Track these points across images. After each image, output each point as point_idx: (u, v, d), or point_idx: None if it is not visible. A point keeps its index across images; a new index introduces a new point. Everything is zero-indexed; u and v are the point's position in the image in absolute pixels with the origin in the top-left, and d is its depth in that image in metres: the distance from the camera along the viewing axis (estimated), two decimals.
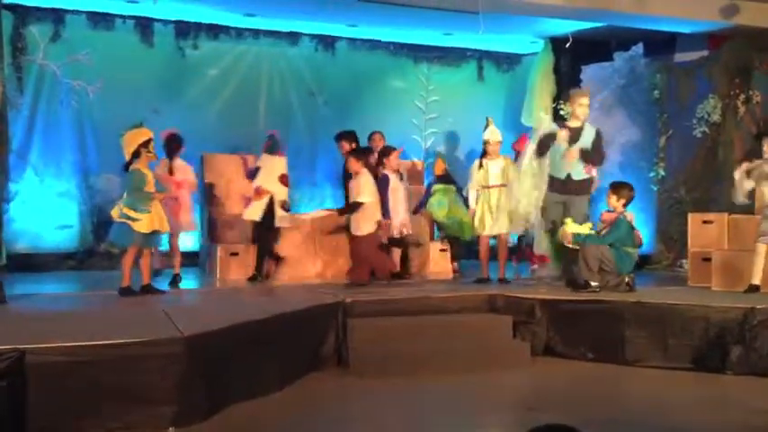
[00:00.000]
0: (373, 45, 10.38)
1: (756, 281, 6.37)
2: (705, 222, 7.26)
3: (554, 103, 10.06)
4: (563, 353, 6.10)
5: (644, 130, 9.35)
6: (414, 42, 10.52)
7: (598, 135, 6.94)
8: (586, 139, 6.86)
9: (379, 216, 7.09)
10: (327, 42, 10.13)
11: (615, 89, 9.87)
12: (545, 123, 7.35)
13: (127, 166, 6.25)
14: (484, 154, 7.43)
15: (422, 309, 6.23)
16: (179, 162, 7.42)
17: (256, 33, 9.74)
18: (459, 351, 5.73)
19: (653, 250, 9.13)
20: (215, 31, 9.51)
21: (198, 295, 6.86)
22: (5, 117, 7.88)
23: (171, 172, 7.29)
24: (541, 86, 10.17)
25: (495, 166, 7.28)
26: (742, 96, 8.54)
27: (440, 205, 8.23)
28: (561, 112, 9.64)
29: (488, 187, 7.25)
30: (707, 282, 6.94)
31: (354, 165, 7.11)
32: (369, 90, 10.38)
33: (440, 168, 8.53)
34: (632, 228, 6.60)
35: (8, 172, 8.39)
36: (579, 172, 6.88)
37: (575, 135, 6.86)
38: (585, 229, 6.64)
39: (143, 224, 6.08)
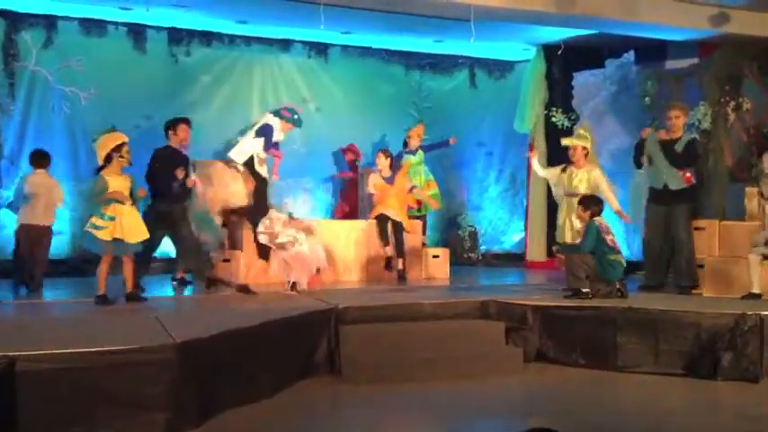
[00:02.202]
0: (366, 52, 10.41)
1: (756, 289, 6.42)
2: (696, 229, 7.30)
3: (546, 109, 10.11)
4: (555, 359, 6.11)
5: (635, 136, 9.37)
6: (406, 50, 10.57)
7: (690, 143, 7.07)
8: (678, 147, 7.01)
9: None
10: (320, 49, 10.16)
11: (606, 96, 9.94)
12: (649, 140, 7.33)
13: (98, 170, 6.12)
14: (568, 160, 7.33)
15: (414, 315, 6.22)
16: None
17: (249, 40, 9.75)
18: (451, 357, 5.74)
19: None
20: (208, 37, 9.52)
21: (190, 302, 6.84)
22: None
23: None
24: (534, 93, 10.21)
25: (580, 174, 7.19)
26: (732, 104, 8.60)
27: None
28: (553, 119, 9.69)
29: (572, 195, 7.16)
30: (698, 288, 6.99)
31: None
32: (361, 97, 10.40)
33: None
34: (602, 232, 6.57)
35: (0, 178, 8.39)
36: (677, 181, 6.99)
37: (670, 146, 7.02)
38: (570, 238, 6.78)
39: (105, 232, 5.91)
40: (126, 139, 6.16)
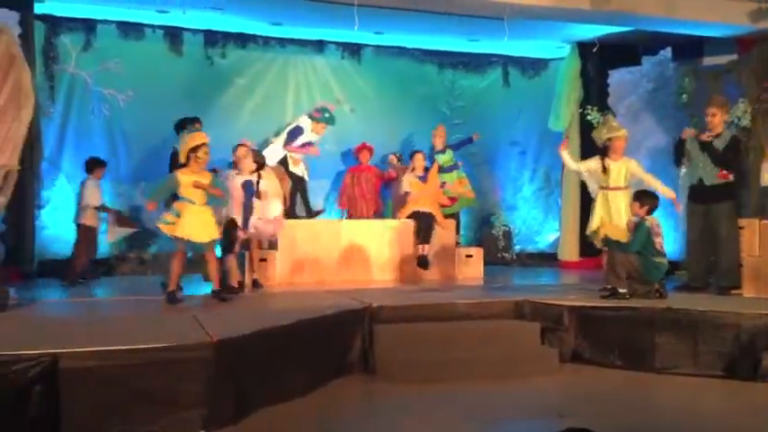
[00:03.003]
0: (399, 52, 10.43)
1: None
2: (738, 228, 7.15)
3: (581, 108, 10.01)
4: (592, 360, 6.05)
5: (673, 134, 9.25)
6: (439, 49, 10.55)
7: (732, 140, 6.96)
8: (718, 145, 6.92)
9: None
10: (353, 50, 10.19)
11: (643, 94, 9.80)
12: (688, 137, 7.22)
13: (179, 167, 6.26)
14: (605, 152, 7.16)
15: (449, 315, 6.22)
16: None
17: (283, 42, 9.83)
18: (486, 358, 5.71)
19: (683, 256, 9.02)
20: (243, 39, 9.62)
21: (227, 300, 6.90)
22: (38, 125, 8.07)
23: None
24: (568, 92, 10.13)
25: (616, 166, 7.06)
26: None
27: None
28: (588, 118, 9.60)
29: (608, 189, 7.08)
30: (739, 288, 6.86)
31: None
32: (395, 96, 10.41)
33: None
34: (652, 233, 6.48)
35: (41, 179, 8.57)
36: (711, 177, 6.90)
37: (708, 144, 6.93)
38: (621, 235, 6.60)
39: (170, 227, 6.01)
40: (206, 140, 6.22)
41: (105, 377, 4.02)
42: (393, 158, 9.57)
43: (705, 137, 7.04)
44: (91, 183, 7.99)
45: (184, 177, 6.08)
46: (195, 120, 7.64)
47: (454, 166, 9.33)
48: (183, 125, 7.54)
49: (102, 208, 8.03)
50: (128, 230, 8.24)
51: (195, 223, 6.03)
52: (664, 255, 6.54)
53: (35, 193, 8.41)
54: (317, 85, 10.07)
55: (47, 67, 8.74)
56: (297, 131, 8.41)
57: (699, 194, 7.05)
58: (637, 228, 6.45)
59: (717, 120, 7.00)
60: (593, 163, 7.23)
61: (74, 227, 8.02)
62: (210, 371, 4.23)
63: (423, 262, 8.27)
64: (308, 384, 5.07)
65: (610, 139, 7.11)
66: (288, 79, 9.96)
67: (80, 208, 7.95)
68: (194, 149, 6.10)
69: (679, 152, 7.30)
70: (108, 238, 8.19)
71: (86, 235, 7.92)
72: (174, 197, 6.18)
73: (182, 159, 6.21)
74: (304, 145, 8.39)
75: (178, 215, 6.02)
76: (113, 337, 4.36)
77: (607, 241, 6.69)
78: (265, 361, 4.73)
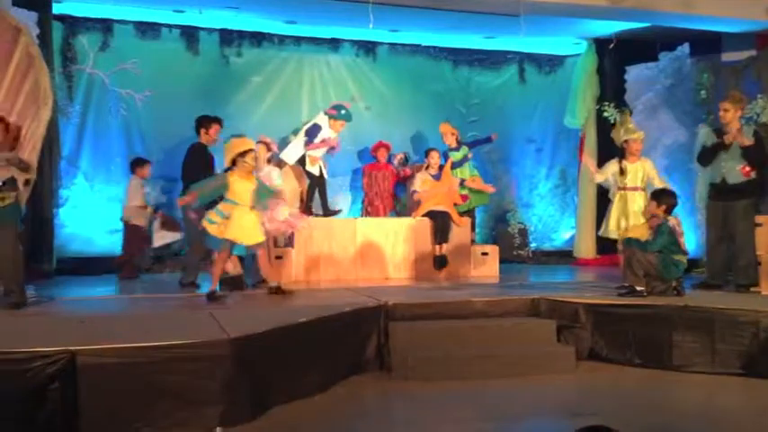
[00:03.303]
0: (414, 49, 10.42)
1: None
2: (755, 225, 7.09)
3: (597, 104, 9.96)
4: (608, 357, 6.01)
5: (691, 131, 9.17)
6: (454, 46, 10.53)
7: (754, 136, 6.86)
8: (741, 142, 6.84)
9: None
10: (368, 48, 10.20)
11: (661, 90, 9.72)
12: (707, 135, 7.14)
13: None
14: (622, 153, 7.18)
15: (464, 312, 6.20)
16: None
17: (298, 40, 9.86)
18: (502, 355, 5.69)
19: (702, 254, 8.95)
20: (258, 38, 9.67)
21: (243, 298, 6.94)
22: (56, 125, 8.15)
23: None
24: (585, 88, 10.09)
25: (633, 167, 7.05)
26: None
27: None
28: (605, 114, 9.55)
29: (626, 189, 7.04)
30: (757, 286, 6.80)
31: None
32: (410, 94, 10.40)
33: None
34: (676, 233, 6.44)
35: (59, 178, 8.66)
36: (735, 175, 6.80)
37: (731, 143, 6.83)
38: (642, 233, 6.56)
39: (215, 228, 6.16)
40: (253, 146, 6.43)
41: (123, 374, 4.05)
42: (400, 157, 9.54)
43: (727, 139, 6.89)
44: (134, 182, 8.18)
45: (235, 180, 6.22)
46: (216, 119, 7.67)
47: (464, 159, 9.26)
48: (203, 123, 7.59)
49: (152, 210, 8.22)
50: (175, 236, 8.19)
51: (243, 226, 6.19)
52: (685, 253, 6.51)
53: (54, 192, 8.49)
54: (331, 84, 10.08)
55: (65, 67, 8.82)
56: (315, 129, 8.43)
57: (720, 193, 6.97)
58: (659, 229, 6.40)
59: (729, 115, 6.90)
60: (613, 167, 7.21)
61: (121, 225, 8.27)
62: (227, 368, 4.25)
63: (441, 261, 8.26)
64: (323, 382, 5.08)
65: (626, 141, 7.08)
66: (303, 77, 9.98)
67: (124, 207, 8.17)
68: (242, 154, 6.25)
69: (711, 154, 7.02)
70: (153, 242, 8.23)
71: (133, 233, 8.08)
72: (218, 198, 6.33)
73: (227, 163, 6.36)
74: (323, 140, 8.40)
75: (225, 217, 6.15)
76: (131, 335, 4.40)
77: (628, 240, 6.66)
78: (281, 358, 4.75)
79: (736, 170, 6.84)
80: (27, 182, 5.93)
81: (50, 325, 5.04)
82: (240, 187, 6.24)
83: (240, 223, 6.18)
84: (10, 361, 3.91)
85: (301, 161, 8.54)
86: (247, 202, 6.24)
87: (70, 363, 3.95)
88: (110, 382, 4.03)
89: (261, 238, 6.34)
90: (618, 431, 1.96)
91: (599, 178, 7.63)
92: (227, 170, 6.39)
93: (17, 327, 4.95)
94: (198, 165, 7.27)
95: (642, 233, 6.57)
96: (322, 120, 8.56)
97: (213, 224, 6.18)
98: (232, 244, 6.28)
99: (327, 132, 8.45)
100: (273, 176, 7.37)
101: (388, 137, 9.63)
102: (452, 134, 9.21)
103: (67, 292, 7.07)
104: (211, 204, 6.37)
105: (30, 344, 4.07)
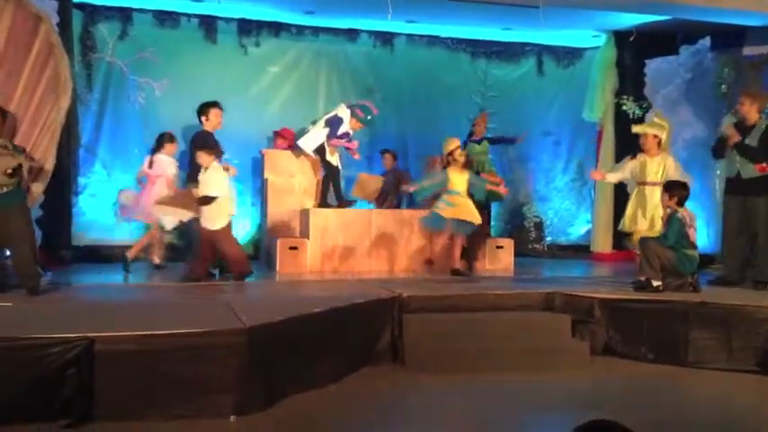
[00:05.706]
0: (431, 41, 10.38)
1: None
2: None
3: (616, 98, 9.88)
4: (623, 353, 5.98)
5: (711, 125, 9.09)
6: (472, 38, 10.48)
7: (767, 130, 6.79)
8: (753, 136, 6.77)
9: (232, 210, 7.03)
10: (386, 39, 10.17)
11: (680, 84, 9.63)
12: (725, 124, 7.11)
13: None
14: (638, 149, 7.15)
15: (478, 305, 6.20)
16: (159, 157, 7.78)
17: (316, 31, 9.85)
18: (516, 349, 5.68)
19: (719, 249, 8.88)
20: (276, 28, 9.66)
21: (259, 288, 6.99)
22: (75, 113, 8.21)
23: (150, 165, 7.77)
24: (603, 81, 10.00)
25: (653, 162, 7.02)
26: None
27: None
28: (623, 108, 9.47)
29: (645, 184, 7.02)
30: None
31: (205, 158, 6.89)
32: (427, 86, 10.37)
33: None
34: (685, 225, 6.37)
35: (78, 166, 8.73)
36: (749, 170, 6.76)
37: (743, 133, 6.79)
38: (656, 233, 6.53)
39: (448, 211, 7.38)
40: (458, 144, 7.70)
41: (139, 361, 4.09)
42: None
43: (738, 138, 6.82)
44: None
45: (451, 175, 7.48)
46: (214, 103, 7.69)
47: (481, 155, 9.20)
48: (203, 110, 7.62)
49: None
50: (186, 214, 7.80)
51: (468, 209, 7.43)
52: (695, 247, 6.43)
53: (72, 180, 8.56)
54: (348, 75, 10.07)
55: (84, 56, 8.87)
56: (337, 121, 8.39)
57: (736, 187, 6.90)
58: (669, 220, 6.34)
59: (745, 109, 6.84)
60: (630, 164, 7.16)
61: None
62: (242, 357, 4.27)
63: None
64: (337, 372, 5.10)
65: (645, 135, 7.04)
66: (320, 68, 9.98)
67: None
68: (451, 153, 7.52)
69: (721, 149, 7.07)
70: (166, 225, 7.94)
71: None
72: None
73: (444, 163, 7.70)
74: (342, 136, 8.38)
75: (451, 204, 7.38)
76: (148, 322, 4.43)
77: (644, 238, 6.60)
78: (296, 348, 4.77)
79: (750, 165, 6.76)
80: (31, 169, 6.00)
81: (68, 312, 5.09)
82: (455, 180, 7.48)
83: (465, 208, 7.42)
84: (31, 347, 3.96)
85: (321, 151, 8.51)
86: (465, 190, 7.49)
87: (88, 349, 4.00)
88: (126, 369, 4.07)
89: (479, 219, 7.53)
90: (617, 422, 1.94)
91: (612, 179, 7.63)
92: (445, 166, 7.59)
93: (37, 313, 5.01)
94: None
95: (655, 233, 6.57)
96: (344, 113, 8.50)
97: (444, 209, 7.36)
98: (459, 224, 7.39)
99: (346, 127, 8.43)
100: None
101: (404, 129, 9.57)
102: (483, 126, 9.18)
103: (85, 279, 7.13)
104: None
105: (49, 330, 4.12)
